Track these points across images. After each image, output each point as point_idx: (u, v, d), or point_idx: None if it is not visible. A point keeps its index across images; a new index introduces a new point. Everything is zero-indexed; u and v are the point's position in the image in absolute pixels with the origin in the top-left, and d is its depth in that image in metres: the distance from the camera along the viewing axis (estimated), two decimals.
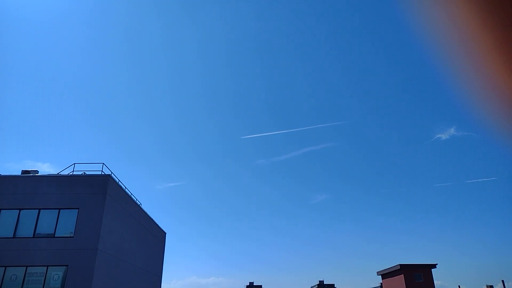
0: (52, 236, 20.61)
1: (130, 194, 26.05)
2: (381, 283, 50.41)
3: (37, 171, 24.02)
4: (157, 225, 33.24)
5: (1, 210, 21.23)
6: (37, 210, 21.13)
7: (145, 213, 29.32)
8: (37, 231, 20.78)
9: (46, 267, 19.82)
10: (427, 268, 40.40)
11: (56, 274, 19.84)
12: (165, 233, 36.33)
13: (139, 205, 27.89)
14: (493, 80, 1.17)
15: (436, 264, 40.92)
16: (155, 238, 32.46)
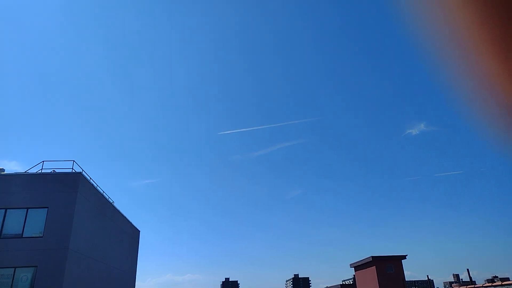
0: (20, 236, 20.03)
1: (102, 192, 25.64)
2: (354, 275, 51.68)
3: (3, 170, 23.27)
4: (131, 223, 32.85)
5: None
6: (3, 210, 20.49)
7: (118, 211, 28.93)
8: (4, 232, 20.15)
9: (13, 268, 19.27)
10: (398, 260, 41.70)
11: (25, 275, 19.33)
12: (139, 231, 35.96)
13: (111, 203, 27.50)
14: (471, 76, 1.16)
15: (406, 255, 42.29)
16: (128, 236, 32.05)
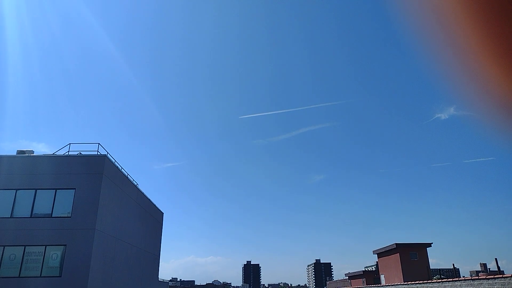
0: (50, 216, 20.76)
1: (126, 174, 26.15)
2: (376, 262, 51.49)
3: (32, 151, 23.99)
4: (154, 205, 33.43)
5: None
6: (33, 190, 21.23)
7: (142, 193, 29.46)
8: (34, 211, 20.95)
9: (44, 246, 20.09)
10: (423, 247, 41.21)
11: (55, 253, 20.13)
12: (163, 213, 36.57)
13: (136, 185, 28.01)
14: (492, 66, 1.18)
15: (431, 243, 41.72)
16: (152, 218, 32.65)
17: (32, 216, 20.90)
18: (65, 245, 20.26)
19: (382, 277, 46.25)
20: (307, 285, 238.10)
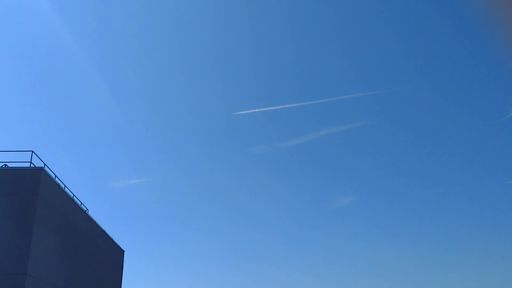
0: None
1: (72, 195, 21.73)
2: None
3: None
4: (112, 240, 28.80)
5: None
6: None
7: (94, 222, 24.94)
8: None
9: None
10: None
11: None
12: (123, 251, 31.88)
13: (85, 212, 23.52)
14: None
15: None
16: (108, 258, 28.36)
17: None
18: None
19: None
20: None
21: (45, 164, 18.83)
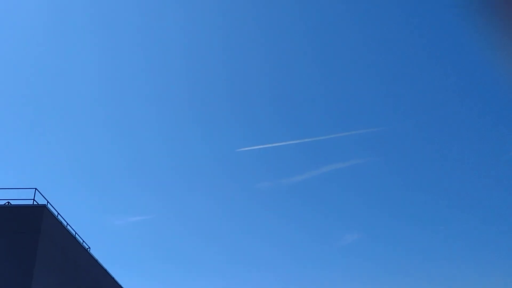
0: None
1: (74, 233, 21.60)
2: None
3: None
4: (113, 278, 28.28)
5: None
6: None
7: (96, 261, 24.60)
8: None
9: None
10: None
11: None
12: None
13: (87, 250, 23.28)
14: None
15: None
16: None
17: None
18: None
19: None
20: None
21: (48, 202, 18.87)
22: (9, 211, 18.33)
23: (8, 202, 18.63)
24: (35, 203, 18.63)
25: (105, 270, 26.55)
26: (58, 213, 19.82)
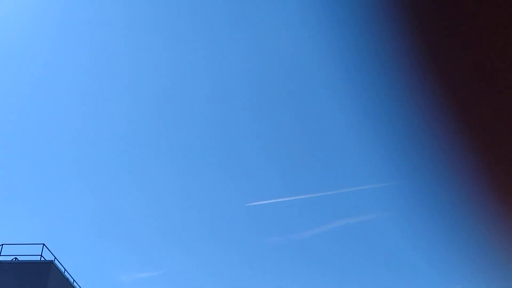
0: None
1: None
2: None
3: None
4: None
5: None
6: None
7: None
8: None
9: None
10: None
11: None
12: None
13: None
14: None
15: None
16: None
17: None
18: None
19: None
20: None
21: (55, 257, 18.90)
22: (17, 266, 18.30)
23: (16, 258, 18.68)
24: (42, 259, 18.63)
25: None
26: (65, 269, 19.77)
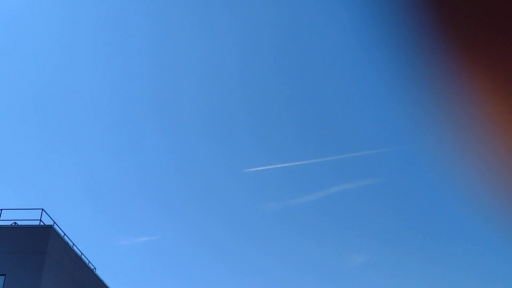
0: None
1: (80, 254, 21.81)
2: None
3: None
4: None
5: None
6: None
7: (102, 281, 24.75)
8: None
9: None
10: None
11: None
12: None
13: (93, 271, 23.45)
14: None
15: None
16: None
17: None
18: None
19: None
20: None
21: (54, 222, 19.19)
22: (16, 231, 18.60)
23: (15, 223, 18.95)
24: (41, 223, 18.92)
25: None
26: (65, 234, 20.12)
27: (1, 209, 19.03)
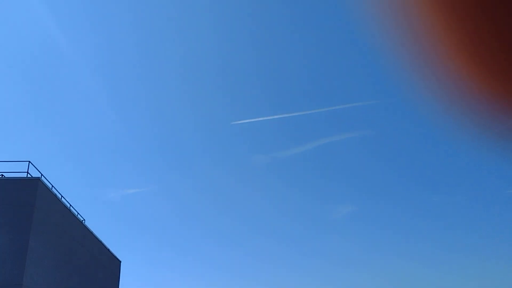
0: None
1: (69, 206, 22.19)
2: None
3: None
4: (109, 250, 29.15)
5: None
6: None
7: (91, 233, 25.34)
8: None
9: None
10: None
11: None
12: (120, 262, 32.24)
13: (82, 222, 23.95)
14: None
15: None
16: (105, 268, 28.71)
17: None
18: None
19: None
20: None
21: (42, 175, 19.34)
22: (3, 184, 18.67)
23: (2, 175, 19.04)
24: (29, 176, 19.05)
25: (100, 242, 27.41)
26: (52, 186, 20.34)
27: None
